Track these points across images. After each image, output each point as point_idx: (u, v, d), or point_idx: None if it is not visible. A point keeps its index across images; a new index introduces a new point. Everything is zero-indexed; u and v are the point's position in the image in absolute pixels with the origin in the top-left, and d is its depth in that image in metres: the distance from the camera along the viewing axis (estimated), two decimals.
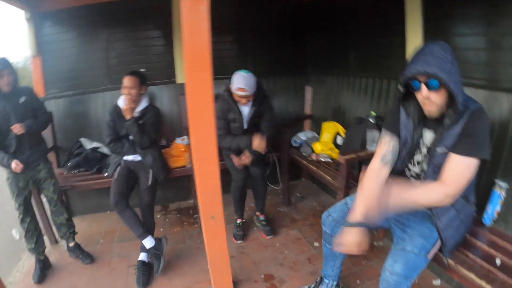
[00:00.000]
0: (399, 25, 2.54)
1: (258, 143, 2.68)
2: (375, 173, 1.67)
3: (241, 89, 2.59)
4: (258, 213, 3.04)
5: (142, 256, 2.54)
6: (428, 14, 2.34)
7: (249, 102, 2.74)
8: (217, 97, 2.68)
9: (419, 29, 2.39)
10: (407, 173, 1.73)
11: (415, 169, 1.69)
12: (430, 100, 1.41)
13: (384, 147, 1.68)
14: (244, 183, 2.81)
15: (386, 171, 1.67)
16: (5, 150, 2.46)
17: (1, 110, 2.40)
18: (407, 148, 1.64)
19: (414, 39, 2.45)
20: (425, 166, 1.62)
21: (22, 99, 2.47)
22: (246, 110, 2.77)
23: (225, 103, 2.73)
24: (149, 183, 2.65)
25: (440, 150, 1.48)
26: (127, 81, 2.59)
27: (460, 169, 1.41)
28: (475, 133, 1.38)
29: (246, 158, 2.73)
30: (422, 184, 1.50)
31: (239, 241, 2.89)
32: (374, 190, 1.61)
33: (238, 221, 2.98)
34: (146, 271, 2.47)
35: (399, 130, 1.65)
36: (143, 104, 2.72)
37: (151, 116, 2.73)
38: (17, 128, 2.41)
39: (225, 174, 1.85)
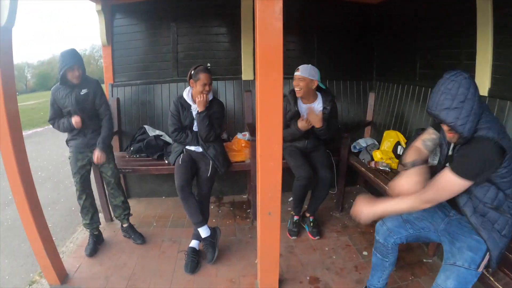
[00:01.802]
0: (469, 36, 2.45)
1: (314, 117, 2.75)
2: (415, 148, 1.90)
3: (297, 69, 2.79)
4: (308, 214, 3.02)
5: (194, 243, 2.63)
6: (499, 27, 2.26)
7: (315, 103, 2.84)
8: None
9: (489, 42, 2.31)
10: None
11: None
12: (449, 131, 1.57)
13: (426, 135, 1.91)
14: (308, 182, 2.78)
15: (425, 152, 1.88)
16: (69, 131, 2.69)
17: (62, 98, 2.60)
18: (443, 151, 1.80)
19: (484, 53, 2.36)
20: None
21: (83, 91, 2.63)
22: (304, 107, 2.86)
23: (285, 99, 2.83)
24: (209, 174, 2.73)
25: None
26: (206, 77, 2.65)
27: (441, 179, 1.53)
28: (466, 155, 1.52)
29: (304, 122, 2.77)
30: (405, 196, 1.65)
31: (293, 237, 2.92)
32: (418, 152, 1.86)
33: (296, 218, 2.99)
34: (196, 258, 2.55)
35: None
36: (209, 97, 2.79)
37: (216, 110, 2.81)
38: (98, 158, 2.65)
39: (285, 173, 1.87)
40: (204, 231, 2.60)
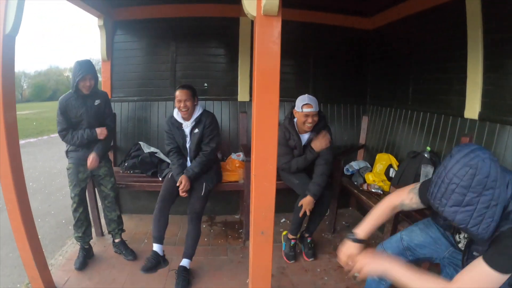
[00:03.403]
0: (461, 62, 2.53)
1: (320, 140, 2.76)
2: (392, 207, 1.68)
3: (307, 105, 2.67)
4: (306, 235, 3.01)
5: (185, 262, 2.62)
6: (489, 52, 2.34)
7: (308, 133, 2.83)
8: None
9: (479, 67, 2.39)
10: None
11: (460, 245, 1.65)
12: None
13: (408, 200, 1.63)
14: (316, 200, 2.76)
15: (399, 210, 1.71)
16: (85, 143, 2.68)
17: (75, 107, 2.61)
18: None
19: (474, 77, 2.44)
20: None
21: (97, 102, 2.68)
22: (305, 137, 2.86)
23: (286, 130, 2.83)
24: (203, 193, 2.75)
25: (475, 253, 1.36)
26: (181, 94, 2.69)
27: (477, 274, 1.22)
28: (506, 248, 1.18)
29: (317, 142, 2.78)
30: (430, 276, 1.32)
31: (291, 261, 2.89)
32: (384, 217, 1.70)
33: (293, 241, 2.95)
34: (186, 277, 2.54)
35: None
36: (197, 112, 2.80)
37: (207, 121, 2.80)
38: (92, 162, 2.63)
39: (277, 194, 1.89)
40: (158, 248, 2.65)
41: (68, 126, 2.64)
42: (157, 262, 2.61)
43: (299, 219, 2.86)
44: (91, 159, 2.63)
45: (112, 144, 2.91)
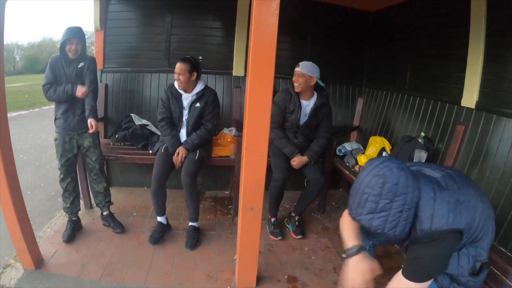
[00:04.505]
0: (461, 49, 2.48)
1: (297, 163, 2.85)
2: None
3: (297, 65, 2.79)
4: (293, 214, 3.03)
5: (192, 223, 2.80)
6: (491, 42, 2.29)
7: (310, 101, 2.86)
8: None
9: (480, 56, 2.34)
10: None
11: None
12: None
13: None
14: (284, 184, 2.81)
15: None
16: (64, 99, 2.60)
17: (60, 68, 2.57)
18: None
19: (474, 66, 2.39)
20: None
21: (80, 65, 2.60)
22: (305, 104, 2.86)
23: (287, 93, 2.85)
24: (196, 157, 2.76)
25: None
26: (177, 67, 2.64)
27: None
28: (419, 257, 1.32)
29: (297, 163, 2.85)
30: None
31: (279, 238, 2.89)
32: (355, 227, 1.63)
33: (273, 219, 2.98)
34: (195, 235, 2.76)
35: None
36: (199, 87, 2.74)
37: (210, 97, 2.77)
38: (93, 126, 2.57)
39: (270, 171, 1.87)
40: (162, 219, 2.84)
41: (53, 81, 2.58)
42: (163, 232, 2.79)
43: (274, 199, 2.93)
44: (91, 124, 2.56)
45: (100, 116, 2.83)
